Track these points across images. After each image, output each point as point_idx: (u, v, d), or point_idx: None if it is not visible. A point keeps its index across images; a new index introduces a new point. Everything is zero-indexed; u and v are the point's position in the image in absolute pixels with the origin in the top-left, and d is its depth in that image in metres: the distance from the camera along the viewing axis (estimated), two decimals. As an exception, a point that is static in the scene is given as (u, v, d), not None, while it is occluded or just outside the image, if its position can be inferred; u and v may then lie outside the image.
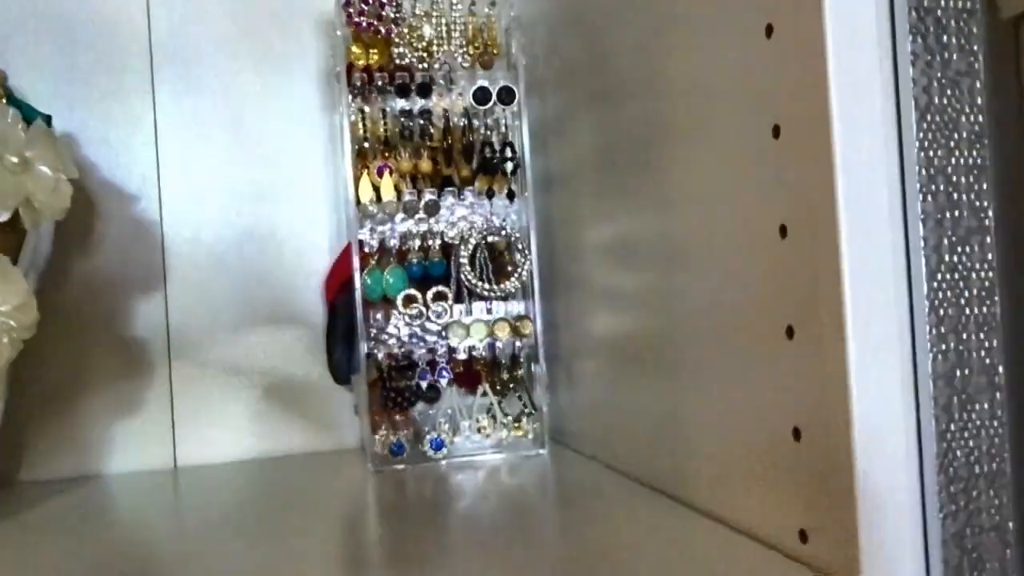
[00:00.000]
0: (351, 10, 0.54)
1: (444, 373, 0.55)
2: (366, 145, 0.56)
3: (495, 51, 0.57)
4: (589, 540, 0.37)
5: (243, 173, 0.61)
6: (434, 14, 0.57)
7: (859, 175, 0.28)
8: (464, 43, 0.57)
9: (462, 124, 0.57)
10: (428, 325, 0.55)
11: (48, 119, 0.47)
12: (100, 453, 0.57)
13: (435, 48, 0.57)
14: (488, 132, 0.57)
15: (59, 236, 0.56)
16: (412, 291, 0.54)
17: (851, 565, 0.28)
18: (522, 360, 0.56)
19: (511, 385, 0.56)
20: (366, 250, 0.55)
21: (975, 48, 0.31)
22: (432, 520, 0.43)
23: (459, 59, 0.57)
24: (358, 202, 0.54)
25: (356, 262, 0.54)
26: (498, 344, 0.56)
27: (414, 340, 0.55)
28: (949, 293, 0.32)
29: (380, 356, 0.54)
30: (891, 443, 0.29)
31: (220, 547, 0.40)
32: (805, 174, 0.29)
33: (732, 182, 0.34)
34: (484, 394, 0.56)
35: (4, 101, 0.45)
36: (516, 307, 0.56)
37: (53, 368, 0.56)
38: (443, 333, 0.55)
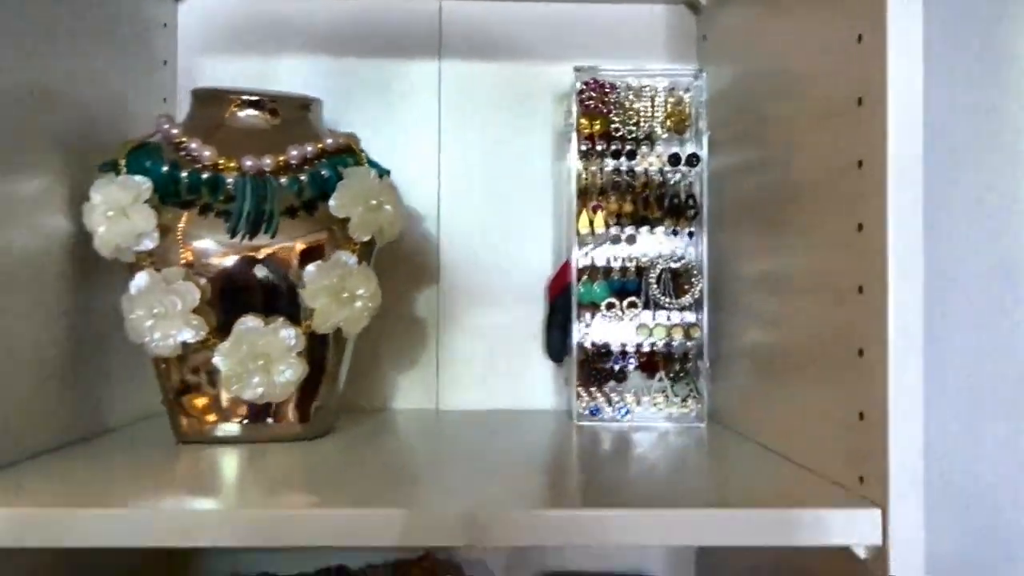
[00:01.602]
0: (583, 96, 0.76)
1: (632, 361, 0.75)
2: (586, 189, 0.77)
3: (686, 123, 0.77)
4: (718, 479, 0.56)
5: (498, 203, 0.85)
6: (643, 96, 0.77)
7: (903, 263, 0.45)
8: (664, 116, 0.77)
9: (657, 179, 0.77)
10: (623, 324, 0.75)
11: (388, 172, 0.72)
12: (390, 394, 0.84)
13: (642, 120, 0.77)
14: (677, 184, 0.77)
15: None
16: (612, 299, 0.75)
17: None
18: (691, 357, 0.76)
19: (681, 374, 0.76)
20: (581, 266, 0.76)
21: None
22: (612, 463, 0.63)
23: (658, 129, 0.77)
24: (578, 232, 0.76)
25: (574, 275, 0.76)
26: (674, 343, 0.75)
27: (611, 334, 0.76)
28: None
29: (587, 344, 0.76)
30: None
31: (463, 467, 0.64)
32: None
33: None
34: (661, 379, 0.76)
35: (365, 161, 0.70)
36: (689, 316, 0.76)
37: (364, 338, 0.82)
38: (633, 331, 0.75)
